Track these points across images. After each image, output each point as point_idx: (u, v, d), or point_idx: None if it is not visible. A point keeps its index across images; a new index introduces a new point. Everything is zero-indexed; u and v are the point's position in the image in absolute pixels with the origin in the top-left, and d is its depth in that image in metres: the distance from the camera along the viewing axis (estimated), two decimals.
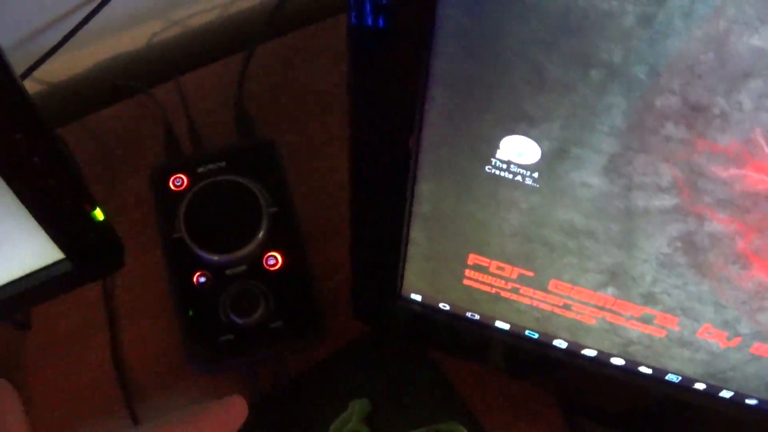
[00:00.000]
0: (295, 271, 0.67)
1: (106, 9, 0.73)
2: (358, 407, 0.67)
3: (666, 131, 0.37)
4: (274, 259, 0.67)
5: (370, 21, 0.37)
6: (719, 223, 0.40)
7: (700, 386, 0.54)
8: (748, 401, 0.54)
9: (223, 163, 0.69)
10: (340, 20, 0.34)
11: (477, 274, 0.52)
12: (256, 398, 0.68)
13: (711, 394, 0.54)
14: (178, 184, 0.69)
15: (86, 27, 0.73)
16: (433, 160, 0.44)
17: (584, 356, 0.56)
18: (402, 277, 0.55)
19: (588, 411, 0.68)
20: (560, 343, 0.56)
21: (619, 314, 0.50)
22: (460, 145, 0.42)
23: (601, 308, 0.50)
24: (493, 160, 0.42)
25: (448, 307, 0.57)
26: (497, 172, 0.43)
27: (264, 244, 0.67)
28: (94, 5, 0.72)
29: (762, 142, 0.35)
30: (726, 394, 0.54)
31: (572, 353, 0.56)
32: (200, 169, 0.69)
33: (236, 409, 0.41)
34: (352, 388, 0.69)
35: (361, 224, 0.52)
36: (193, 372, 0.67)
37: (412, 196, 0.47)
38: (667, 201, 0.40)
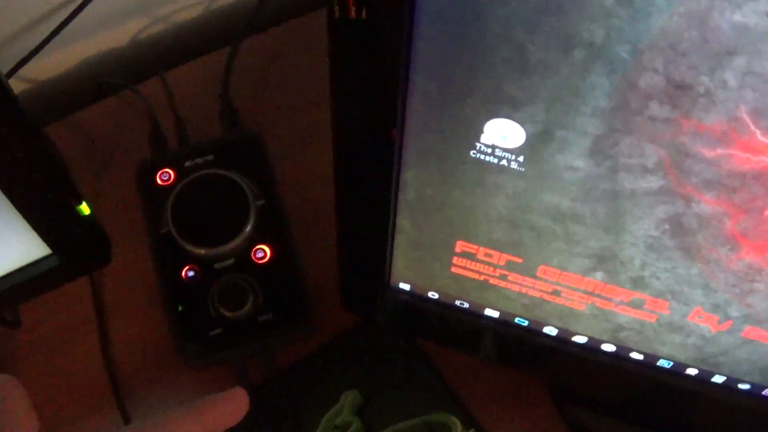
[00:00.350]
0: (283, 264, 0.67)
1: (91, 6, 0.73)
2: (349, 399, 0.66)
3: (650, 111, 0.37)
4: (263, 252, 0.66)
5: (351, 11, 0.37)
6: (707, 204, 0.40)
7: (692, 371, 0.54)
8: (740, 386, 0.54)
9: (209, 157, 0.69)
10: (324, 13, 0.34)
11: (465, 261, 0.51)
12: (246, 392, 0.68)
13: (703, 379, 0.54)
14: (165, 178, 0.69)
15: (71, 24, 0.73)
16: (417, 146, 0.44)
17: (574, 343, 0.56)
18: (390, 266, 0.55)
19: (579, 398, 0.68)
20: (550, 330, 0.56)
21: (609, 299, 0.50)
22: (444, 130, 0.42)
23: (591, 294, 0.50)
24: (478, 145, 0.42)
25: (437, 296, 0.57)
26: (482, 156, 0.42)
27: (252, 237, 0.66)
28: (78, 3, 0.72)
29: (747, 120, 0.35)
30: (718, 379, 0.54)
31: (562, 340, 0.56)
32: (187, 164, 0.69)
33: (238, 401, 0.41)
34: (343, 380, 0.68)
35: (347, 214, 0.52)
36: (184, 366, 0.67)
37: (398, 183, 0.47)
38: (654, 182, 0.40)
